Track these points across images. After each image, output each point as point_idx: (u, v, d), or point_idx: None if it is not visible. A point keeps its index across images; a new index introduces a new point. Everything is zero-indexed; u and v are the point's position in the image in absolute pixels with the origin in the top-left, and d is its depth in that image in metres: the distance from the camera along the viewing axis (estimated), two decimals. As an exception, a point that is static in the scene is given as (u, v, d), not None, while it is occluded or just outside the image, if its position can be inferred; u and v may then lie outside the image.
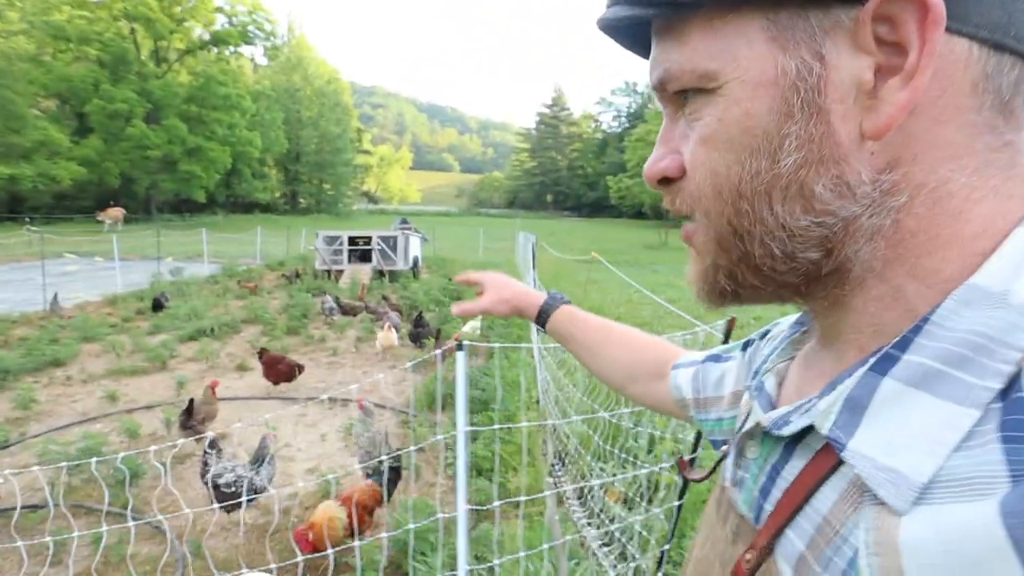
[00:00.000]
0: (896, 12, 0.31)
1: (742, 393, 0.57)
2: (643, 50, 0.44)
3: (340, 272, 12.50)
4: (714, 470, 0.53)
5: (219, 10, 38.35)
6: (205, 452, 3.20)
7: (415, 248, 14.18)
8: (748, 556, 0.40)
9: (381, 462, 3.13)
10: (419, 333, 6.83)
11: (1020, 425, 0.27)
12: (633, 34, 0.43)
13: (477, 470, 3.54)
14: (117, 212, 25.89)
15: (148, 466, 3.50)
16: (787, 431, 0.39)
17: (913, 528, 0.29)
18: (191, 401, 4.29)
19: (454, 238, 27.24)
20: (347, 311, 8.24)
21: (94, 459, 2.21)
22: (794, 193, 0.35)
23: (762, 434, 0.43)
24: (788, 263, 0.37)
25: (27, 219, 24.49)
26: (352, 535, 2.75)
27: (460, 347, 2.06)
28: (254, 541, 3.04)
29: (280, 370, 5.35)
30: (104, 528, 2.37)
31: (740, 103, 0.36)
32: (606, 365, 0.83)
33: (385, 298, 8.46)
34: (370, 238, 13.17)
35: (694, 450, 2.18)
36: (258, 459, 3.11)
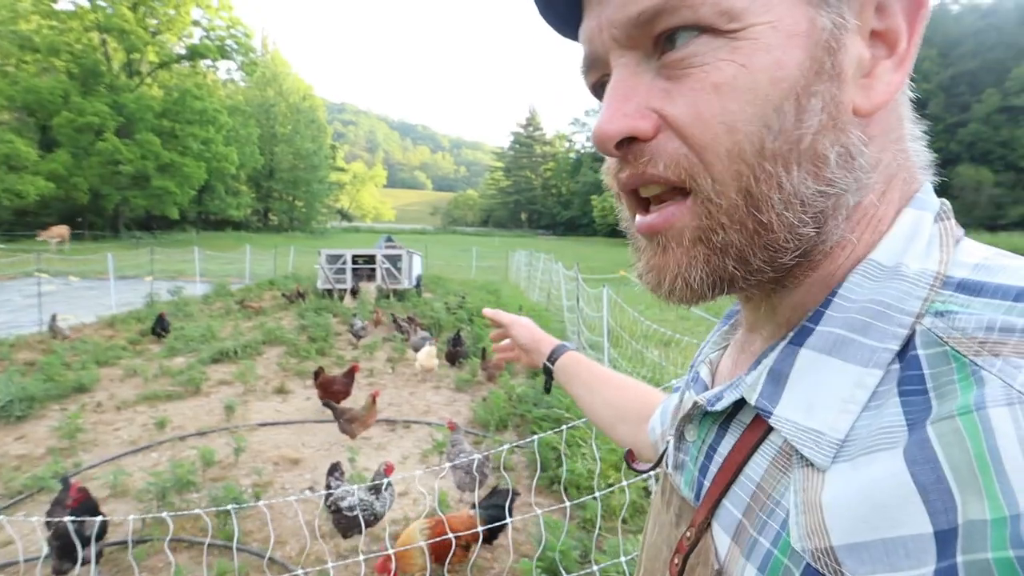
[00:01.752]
0: (890, 2, 0.34)
1: None
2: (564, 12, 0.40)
3: (344, 291, 12.30)
4: (660, 461, 0.53)
5: (196, 24, 37.81)
6: (328, 476, 3.12)
7: (418, 266, 14.08)
8: (688, 533, 0.42)
9: (492, 495, 3.05)
10: (457, 352, 6.76)
11: (913, 379, 0.30)
12: None
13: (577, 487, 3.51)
14: (62, 230, 24.13)
15: (244, 496, 3.37)
16: (720, 406, 0.40)
17: (833, 485, 0.31)
18: (327, 403, 4.77)
19: (439, 257, 27.12)
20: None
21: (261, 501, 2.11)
22: (810, 158, 0.33)
23: (700, 415, 0.44)
24: (791, 239, 0.35)
25: (-8, 236, 23.29)
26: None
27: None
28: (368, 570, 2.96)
29: (337, 391, 5.24)
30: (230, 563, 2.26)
31: (771, 51, 0.32)
32: (600, 405, 0.86)
33: (411, 319, 8.35)
34: (373, 256, 13.01)
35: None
36: (376, 486, 3.03)
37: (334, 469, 3.16)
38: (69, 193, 31.36)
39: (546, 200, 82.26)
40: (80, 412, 5.30)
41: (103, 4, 33.04)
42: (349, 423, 4.41)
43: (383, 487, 3.01)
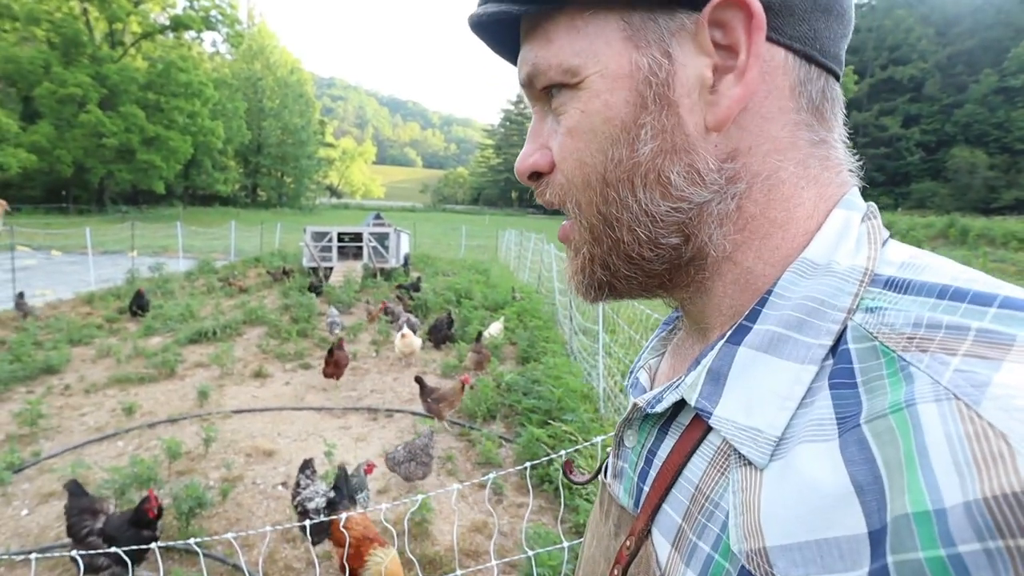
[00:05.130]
0: (727, 18, 0.35)
1: None
2: (510, 54, 0.44)
3: (330, 269, 12.01)
4: (598, 472, 0.53)
5: (179, -8, 36.63)
6: (299, 473, 2.89)
7: (406, 245, 13.80)
8: (628, 543, 0.41)
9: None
10: (446, 336, 6.52)
11: (844, 373, 0.31)
12: (503, 34, 0.43)
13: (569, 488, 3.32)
14: None
15: (208, 494, 3.15)
16: (660, 407, 0.40)
17: (771, 485, 0.31)
18: (418, 379, 4.59)
19: (428, 235, 26.74)
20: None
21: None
22: (653, 180, 0.37)
23: (639, 419, 0.44)
24: (654, 249, 0.38)
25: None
26: None
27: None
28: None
29: (343, 366, 5.34)
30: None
31: (600, 95, 0.37)
32: None
33: (400, 298, 8.08)
34: (359, 234, 12.70)
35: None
36: (353, 488, 2.81)
37: (306, 466, 2.94)
38: (52, 166, 30.63)
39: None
40: (46, 395, 5.06)
41: (83, -29, 31.90)
42: (437, 403, 4.39)
43: (356, 492, 2.79)
